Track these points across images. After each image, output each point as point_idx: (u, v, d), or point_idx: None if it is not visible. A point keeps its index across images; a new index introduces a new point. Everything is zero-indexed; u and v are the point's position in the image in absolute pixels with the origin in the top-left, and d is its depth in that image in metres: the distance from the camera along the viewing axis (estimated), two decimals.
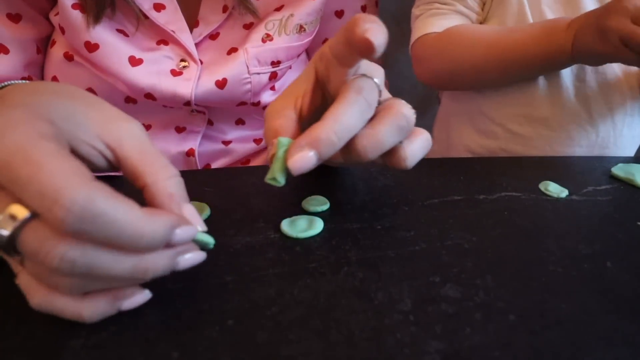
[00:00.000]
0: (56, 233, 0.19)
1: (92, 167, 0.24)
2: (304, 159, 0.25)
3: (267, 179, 0.27)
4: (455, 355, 0.22)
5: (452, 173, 0.43)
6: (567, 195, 0.39)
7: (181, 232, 0.22)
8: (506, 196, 0.39)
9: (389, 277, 0.28)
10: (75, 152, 0.23)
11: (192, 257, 0.24)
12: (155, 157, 0.24)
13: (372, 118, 0.28)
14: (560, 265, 0.29)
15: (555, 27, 0.50)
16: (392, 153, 0.29)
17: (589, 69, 0.57)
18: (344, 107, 0.26)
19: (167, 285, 0.26)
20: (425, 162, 0.41)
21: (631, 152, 0.65)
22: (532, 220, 0.35)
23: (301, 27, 0.51)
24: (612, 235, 0.33)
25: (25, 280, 0.22)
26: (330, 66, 0.30)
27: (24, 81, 0.28)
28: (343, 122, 0.26)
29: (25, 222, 0.20)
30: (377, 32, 0.25)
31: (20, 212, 0.20)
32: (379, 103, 0.29)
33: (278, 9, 0.50)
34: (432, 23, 0.59)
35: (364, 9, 0.58)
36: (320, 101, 0.32)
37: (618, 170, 0.44)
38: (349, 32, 0.26)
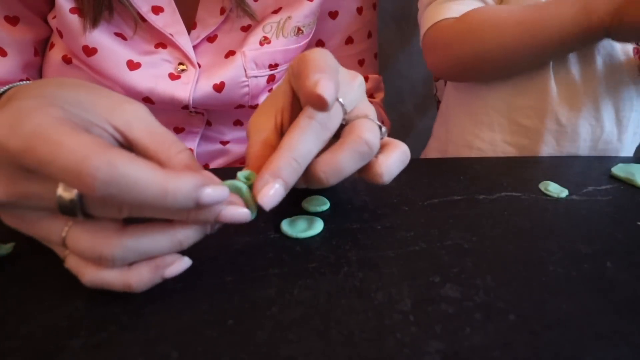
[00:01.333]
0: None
1: None
2: (273, 192, 0.25)
3: None
4: (455, 355, 0.22)
5: (452, 173, 0.43)
6: (567, 195, 0.39)
7: (212, 191, 0.22)
8: (506, 196, 0.39)
9: (389, 277, 0.28)
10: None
11: (213, 193, 0.23)
12: (164, 135, 0.25)
13: (338, 136, 0.28)
14: (560, 265, 0.29)
15: None
16: (367, 169, 0.29)
17: (598, 64, 0.56)
18: (297, 134, 0.26)
19: (167, 285, 0.26)
20: (425, 162, 0.41)
21: (631, 150, 0.65)
22: (532, 220, 0.35)
23: (299, 29, 0.51)
24: (612, 235, 0.33)
25: (73, 262, 0.24)
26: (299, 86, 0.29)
27: (26, 82, 0.28)
28: (299, 148, 0.26)
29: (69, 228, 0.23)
30: (327, 84, 0.24)
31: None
32: (346, 122, 0.29)
33: (275, 12, 0.50)
34: (447, 8, 0.56)
35: (359, 10, 0.58)
36: (298, 113, 0.31)
37: (618, 170, 0.44)
38: (298, 79, 0.26)
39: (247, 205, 0.26)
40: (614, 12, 0.47)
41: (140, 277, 0.23)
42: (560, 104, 0.57)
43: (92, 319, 0.24)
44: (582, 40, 0.51)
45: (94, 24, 0.44)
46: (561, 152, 0.59)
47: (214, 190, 0.22)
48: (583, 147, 0.59)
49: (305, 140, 0.26)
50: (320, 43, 0.58)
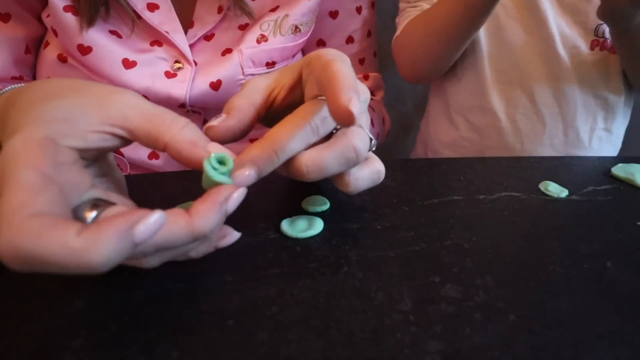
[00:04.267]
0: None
1: (108, 149, 0.25)
2: (246, 176, 0.26)
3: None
4: (455, 355, 0.22)
5: (452, 173, 0.43)
6: (567, 195, 0.39)
7: (144, 228, 0.20)
8: (506, 196, 0.39)
9: (389, 277, 0.28)
10: (85, 149, 0.24)
11: (238, 196, 0.24)
12: (162, 116, 0.25)
13: (328, 137, 0.28)
14: (560, 265, 0.29)
15: None
16: (337, 176, 0.29)
17: (535, 63, 0.59)
18: (288, 131, 0.27)
19: (167, 285, 0.26)
20: (425, 162, 0.41)
21: (607, 153, 0.65)
22: (532, 220, 0.35)
23: (296, 27, 0.51)
24: (612, 235, 0.33)
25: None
26: (309, 78, 0.30)
27: (20, 84, 0.28)
28: (283, 143, 0.26)
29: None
30: (357, 105, 0.25)
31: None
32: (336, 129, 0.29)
33: (273, 10, 0.50)
34: (398, 28, 0.64)
35: (359, 10, 0.58)
36: (295, 98, 0.32)
37: (618, 170, 0.44)
38: (327, 83, 0.26)
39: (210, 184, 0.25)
40: None
41: (197, 251, 0.25)
42: (499, 102, 0.62)
43: (92, 319, 0.24)
44: (470, 10, 0.53)
45: (90, 22, 0.44)
46: (506, 147, 0.64)
47: (146, 226, 0.20)
48: (527, 142, 0.62)
49: (292, 139, 0.27)
50: (321, 42, 0.59)
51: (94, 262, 0.18)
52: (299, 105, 0.29)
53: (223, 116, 0.28)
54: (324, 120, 0.28)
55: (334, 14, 0.57)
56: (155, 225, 0.20)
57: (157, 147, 0.25)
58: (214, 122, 0.28)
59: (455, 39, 0.58)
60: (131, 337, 0.22)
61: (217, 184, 0.24)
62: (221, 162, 0.25)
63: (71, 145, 0.23)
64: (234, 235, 0.27)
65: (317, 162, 0.27)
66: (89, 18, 0.43)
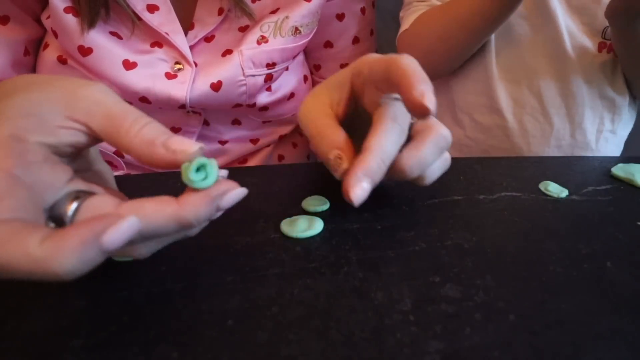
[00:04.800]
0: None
1: (80, 145, 0.23)
2: (362, 190, 0.27)
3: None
4: (455, 355, 0.22)
5: (452, 173, 0.43)
6: (567, 195, 0.39)
7: (115, 235, 0.19)
8: (506, 196, 0.39)
9: (389, 277, 0.28)
10: (56, 145, 0.22)
11: (235, 195, 0.23)
12: (124, 115, 0.23)
13: (411, 138, 0.30)
14: (560, 265, 0.29)
15: None
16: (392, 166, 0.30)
17: (543, 62, 0.59)
18: (385, 136, 0.28)
19: (167, 285, 0.26)
20: None
21: (611, 154, 0.65)
22: (532, 220, 0.35)
23: (296, 29, 0.51)
24: (612, 235, 0.33)
25: None
26: (366, 86, 0.31)
27: None
28: (386, 150, 0.28)
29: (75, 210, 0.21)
30: (431, 96, 0.26)
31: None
32: (411, 123, 0.31)
33: (273, 12, 0.50)
34: (406, 21, 0.62)
35: (363, 11, 0.59)
36: (352, 109, 0.33)
37: (618, 170, 0.44)
38: (398, 80, 0.27)
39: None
40: None
41: (195, 210, 0.22)
42: (506, 102, 0.61)
43: (92, 319, 0.24)
44: (496, 5, 0.53)
45: (91, 24, 0.44)
46: (512, 147, 0.63)
47: (117, 232, 0.19)
48: (534, 143, 0.62)
49: (391, 142, 0.28)
50: (328, 44, 0.60)
51: (58, 271, 0.18)
52: (356, 114, 0.32)
53: (345, 157, 0.29)
54: (404, 118, 0.29)
55: (340, 17, 0.58)
56: (128, 231, 0.19)
57: (119, 149, 0.23)
58: (345, 165, 0.28)
59: (481, 31, 0.56)
60: (131, 337, 0.22)
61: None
62: (200, 168, 0.23)
63: (40, 141, 0.22)
64: (237, 192, 0.24)
65: (418, 158, 0.29)
66: (89, 20, 0.43)
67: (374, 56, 0.31)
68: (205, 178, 0.23)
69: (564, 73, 0.59)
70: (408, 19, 0.62)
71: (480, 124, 0.64)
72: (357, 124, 0.32)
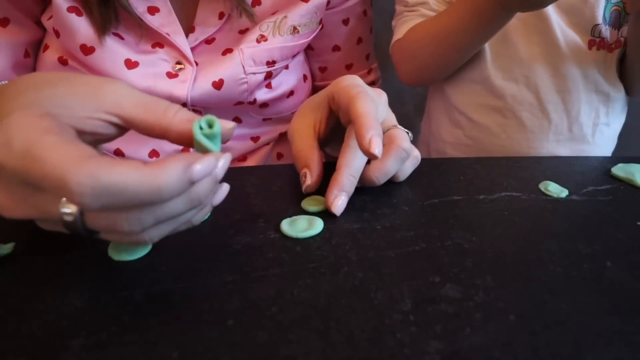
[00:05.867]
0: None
1: (104, 137, 0.26)
2: (341, 202, 0.34)
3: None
4: (455, 355, 0.22)
5: (452, 173, 0.43)
6: (567, 195, 0.39)
7: (201, 166, 0.22)
8: (506, 196, 0.39)
9: (389, 277, 0.28)
10: (82, 131, 0.24)
11: (225, 162, 0.25)
12: (156, 104, 0.26)
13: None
14: (560, 265, 0.29)
15: None
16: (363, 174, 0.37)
17: (538, 59, 0.59)
18: (352, 154, 0.35)
19: (167, 285, 0.26)
20: (425, 162, 0.41)
21: (607, 147, 0.66)
22: (532, 220, 0.35)
23: (295, 28, 0.52)
24: (612, 235, 0.33)
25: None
26: (340, 110, 0.36)
27: (3, 82, 0.28)
28: (354, 166, 0.34)
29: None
30: (378, 142, 0.31)
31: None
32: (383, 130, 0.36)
33: (273, 13, 0.50)
34: (399, 30, 0.64)
35: (365, 12, 0.60)
36: (333, 124, 0.39)
37: (618, 170, 0.44)
38: (353, 121, 0.32)
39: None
40: None
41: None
42: (503, 99, 0.62)
43: (92, 319, 0.24)
44: (484, 21, 0.53)
45: (104, 31, 0.45)
46: (511, 144, 0.63)
47: (203, 164, 0.22)
48: (532, 139, 0.62)
49: (358, 159, 0.35)
50: (336, 48, 0.61)
51: (163, 184, 0.21)
52: (339, 128, 0.38)
53: (309, 175, 0.36)
54: None
55: (346, 22, 0.59)
56: (208, 167, 0.23)
57: (154, 134, 0.26)
58: (309, 182, 0.35)
59: (470, 46, 0.58)
60: (131, 337, 0.22)
61: (205, 149, 0.25)
62: (210, 125, 0.25)
63: (71, 124, 0.23)
64: (223, 190, 0.28)
65: (383, 170, 0.36)
66: (102, 26, 0.44)
67: (344, 84, 0.35)
68: (210, 134, 0.25)
69: (559, 69, 0.60)
70: (400, 28, 0.63)
71: (478, 124, 0.64)
72: (339, 134, 0.38)
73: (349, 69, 0.63)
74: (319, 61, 0.63)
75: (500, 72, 0.61)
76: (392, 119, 0.39)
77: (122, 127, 0.26)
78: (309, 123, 0.38)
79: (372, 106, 0.33)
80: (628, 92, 0.64)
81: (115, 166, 0.20)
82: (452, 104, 0.66)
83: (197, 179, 0.22)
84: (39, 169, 0.20)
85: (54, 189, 0.20)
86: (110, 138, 0.26)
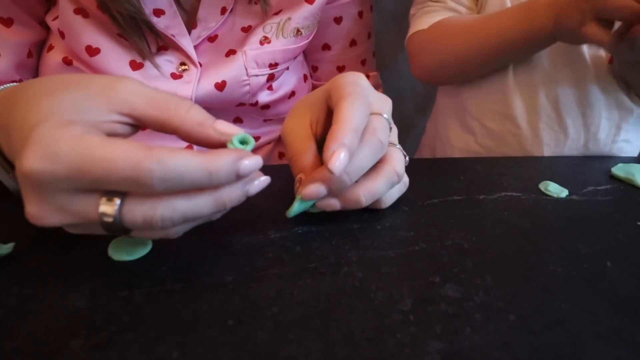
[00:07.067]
0: (148, 201, 0.23)
1: (121, 137, 0.26)
2: (342, 157, 0.28)
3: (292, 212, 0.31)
4: (455, 355, 0.22)
5: (452, 173, 0.43)
6: (567, 195, 0.39)
7: (249, 162, 0.25)
8: (506, 196, 0.39)
9: (389, 277, 0.28)
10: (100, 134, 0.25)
11: (260, 183, 0.27)
12: (167, 101, 0.26)
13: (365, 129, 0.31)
14: (560, 265, 0.29)
15: (535, 5, 0.51)
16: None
17: (563, 70, 0.58)
18: (352, 108, 0.30)
19: (167, 285, 0.26)
20: (425, 162, 0.41)
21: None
22: (532, 220, 0.35)
23: (298, 30, 0.52)
24: (612, 235, 0.33)
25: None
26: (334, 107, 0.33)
27: (14, 83, 0.29)
28: (354, 118, 0.30)
29: (121, 206, 0.23)
30: (337, 159, 0.28)
31: (111, 202, 0.23)
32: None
33: (276, 13, 0.50)
34: (421, 20, 0.61)
35: (360, 14, 0.60)
36: (330, 125, 0.35)
37: (618, 170, 0.44)
38: (333, 124, 0.30)
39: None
40: (555, 17, 0.48)
41: (231, 195, 0.25)
42: (521, 109, 0.60)
43: (92, 319, 0.24)
44: (528, 46, 0.53)
45: (144, 55, 0.46)
46: (525, 155, 0.60)
47: (251, 161, 0.25)
48: (548, 152, 0.60)
49: (359, 114, 0.30)
50: (326, 47, 0.60)
51: (214, 169, 0.23)
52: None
53: (302, 187, 0.31)
54: (386, 133, 0.33)
55: (338, 20, 0.58)
56: (255, 164, 0.25)
57: (165, 131, 0.26)
58: (301, 190, 0.31)
59: (503, 59, 0.56)
60: (131, 337, 0.22)
61: None
62: (243, 142, 0.27)
63: (91, 127, 0.24)
64: (262, 180, 0.28)
65: (371, 191, 0.32)
66: (146, 54, 0.46)
67: (342, 80, 0.33)
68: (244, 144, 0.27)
69: (582, 81, 0.57)
70: (423, 19, 0.61)
71: (491, 131, 0.62)
72: None
73: (340, 71, 0.62)
74: (310, 59, 0.63)
75: (519, 81, 0.59)
76: (393, 134, 0.37)
77: (137, 126, 0.26)
78: (305, 122, 0.35)
79: (359, 112, 0.30)
80: None
81: (177, 153, 0.22)
82: (465, 108, 0.64)
83: (244, 172, 0.24)
84: (104, 167, 0.22)
85: (122, 180, 0.22)
86: (126, 136, 0.27)
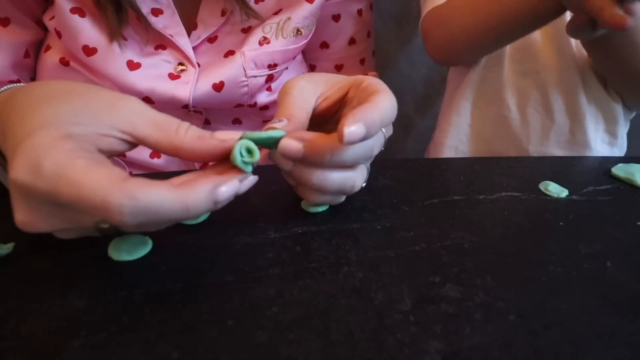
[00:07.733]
0: None
1: (116, 153, 0.26)
2: (356, 128, 0.26)
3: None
4: (455, 355, 0.22)
5: (452, 173, 0.43)
6: (567, 195, 0.39)
7: (226, 188, 0.24)
8: (506, 196, 0.39)
9: (389, 277, 0.28)
10: (99, 149, 0.25)
11: (228, 190, 0.25)
12: (168, 122, 0.26)
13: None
14: (560, 265, 0.29)
15: None
16: None
17: (552, 56, 0.59)
18: (384, 98, 0.30)
19: (167, 285, 0.26)
20: (425, 162, 0.41)
21: (604, 150, 0.65)
22: (532, 220, 0.35)
23: (298, 30, 0.51)
24: (612, 235, 0.33)
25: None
26: (354, 99, 0.32)
27: (19, 84, 0.29)
28: (384, 108, 0.29)
29: None
30: (356, 130, 0.26)
31: None
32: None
33: (276, 13, 0.50)
34: (429, 3, 0.61)
35: (359, 12, 0.59)
36: (334, 109, 0.34)
37: (618, 170, 0.44)
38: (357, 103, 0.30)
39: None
40: None
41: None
42: (511, 92, 0.61)
43: (92, 319, 0.24)
44: (533, 16, 0.51)
45: (116, 35, 0.45)
46: (513, 139, 0.63)
47: (228, 187, 0.24)
48: (534, 136, 0.62)
49: (390, 104, 0.30)
50: (324, 45, 0.60)
51: (191, 204, 0.23)
52: (334, 114, 0.34)
53: (285, 121, 0.30)
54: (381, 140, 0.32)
55: (336, 17, 0.58)
56: (234, 188, 0.25)
57: (165, 152, 0.26)
58: (277, 125, 0.29)
59: (508, 35, 0.56)
60: (131, 337, 0.22)
61: (238, 168, 0.26)
62: (250, 151, 0.27)
63: (90, 142, 0.24)
64: (249, 180, 0.27)
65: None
66: (115, 31, 0.44)
67: (374, 80, 0.32)
68: (250, 162, 0.27)
69: (569, 69, 0.59)
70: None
71: (482, 112, 0.64)
72: (327, 128, 0.32)
73: (338, 69, 0.62)
74: (308, 57, 0.62)
75: (513, 64, 0.60)
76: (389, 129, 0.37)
77: (134, 144, 0.26)
78: (314, 89, 0.33)
79: (390, 110, 0.30)
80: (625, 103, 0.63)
81: (150, 187, 0.22)
82: (461, 94, 0.65)
83: (222, 200, 0.24)
84: (75, 193, 0.21)
85: (92, 209, 0.21)
86: (122, 153, 0.27)
